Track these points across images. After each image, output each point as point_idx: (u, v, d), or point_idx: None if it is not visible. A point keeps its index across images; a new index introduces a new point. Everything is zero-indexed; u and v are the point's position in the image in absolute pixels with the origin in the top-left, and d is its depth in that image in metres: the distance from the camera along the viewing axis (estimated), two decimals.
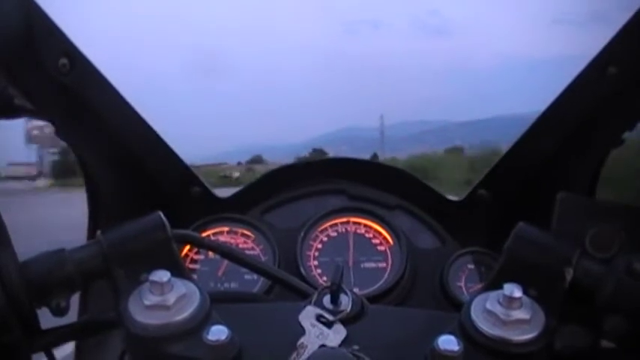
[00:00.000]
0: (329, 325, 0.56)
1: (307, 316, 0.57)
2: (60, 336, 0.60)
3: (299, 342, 0.54)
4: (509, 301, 0.52)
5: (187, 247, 0.97)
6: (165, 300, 0.53)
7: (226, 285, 0.95)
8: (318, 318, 0.57)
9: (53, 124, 0.82)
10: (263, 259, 0.97)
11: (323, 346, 0.54)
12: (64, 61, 0.76)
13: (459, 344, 0.50)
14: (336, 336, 0.55)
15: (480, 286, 0.83)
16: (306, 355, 0.52)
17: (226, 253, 0.72)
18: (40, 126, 0.91)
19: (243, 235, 1.00)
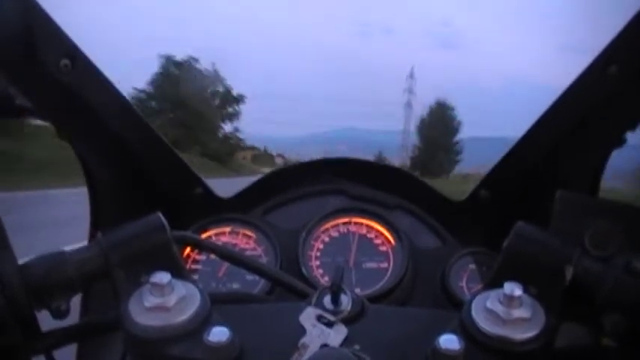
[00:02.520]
0: (330, 325, 0.56)
1: (308, 316, 0.57)
2: (60, 338, 0.60)
3: (300, 342, 0.54)
4: (510, 299, 0.52)
5: (189, 248, 0.97)
6: (165, 301, 0.52)
7: (228, 286, 0.95)
8: (319, 318, 0.57)
9: (55, 124, 0.83)
10: (265, 259, 0.97)
11: (324, 345, 0.54)
12: (65, 61, 0.76)
13: (460, 343, 0.50)
14: (337, 335, 0.55)
15: (481, 285, 0.82)
16: (307, 355, 0.52)
17: (225, 254, 0.72)
18: None
19: (244, 235, 1.00)
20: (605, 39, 0.77)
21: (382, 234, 1.02)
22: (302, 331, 0.55)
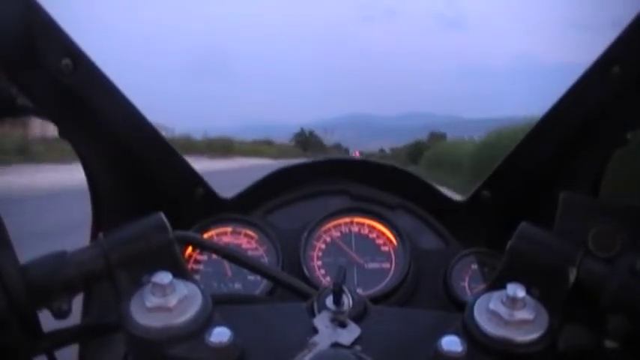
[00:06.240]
0: (332, 325, 0.56)
1: (310, 317, 0.57)
2: (62, 339, 0.60)
3: (302, 343, 0.54)
4: (513, 301, 0.52)
5: (190, 248, 0.97)
6: (166, 302, 0.52)
7: (229, 286, 0.95)
8: (322, 319, 0.56)
9: (57, 124, 0.83)
10: (266, 259, 0.97)
11: (336, 344, 0.54)
12: (67, 61, 0.76)
13: (462, 345, 0.50)
14: (340, 335, 0.55)
15: (483, 286, 0.82)
16: (309, 356, 0.52)
17: (227, 254, 0.72)
18: None
19: (246, 235, 1.00)
20: (608, 39, 0.77)
21: (384, 234, 1.02)
22: (304, 331, 0.55)
